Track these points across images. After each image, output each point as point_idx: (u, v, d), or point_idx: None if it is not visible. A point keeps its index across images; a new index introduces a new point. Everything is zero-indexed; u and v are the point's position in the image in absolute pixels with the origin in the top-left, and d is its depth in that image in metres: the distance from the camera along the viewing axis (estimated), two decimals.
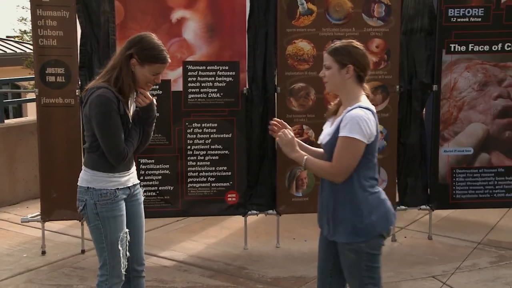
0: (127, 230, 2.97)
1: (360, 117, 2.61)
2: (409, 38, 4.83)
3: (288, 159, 4.69)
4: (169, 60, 2.88)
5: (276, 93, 4.75)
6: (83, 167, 2.95)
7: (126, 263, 3.00)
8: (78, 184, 2.94)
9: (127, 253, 2.99)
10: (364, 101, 2.72)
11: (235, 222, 5.52)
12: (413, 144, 4.96)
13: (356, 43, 2.75)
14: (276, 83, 4.76)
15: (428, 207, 5.07)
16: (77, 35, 4.57)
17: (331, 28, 4.69)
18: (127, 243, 2.98)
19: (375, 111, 2.72)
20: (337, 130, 2.68)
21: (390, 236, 2.74)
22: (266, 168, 4.88)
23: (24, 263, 4.66)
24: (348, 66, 2.69)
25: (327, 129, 2.81)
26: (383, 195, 2.77)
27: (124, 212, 2.95)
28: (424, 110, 5.00)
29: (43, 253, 4.83)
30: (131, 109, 2.94)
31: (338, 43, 2.76)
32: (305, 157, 2.73)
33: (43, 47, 4.52)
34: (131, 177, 3.00)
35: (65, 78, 4.55)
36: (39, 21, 4.49)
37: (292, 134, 2.78)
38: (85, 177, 2.90)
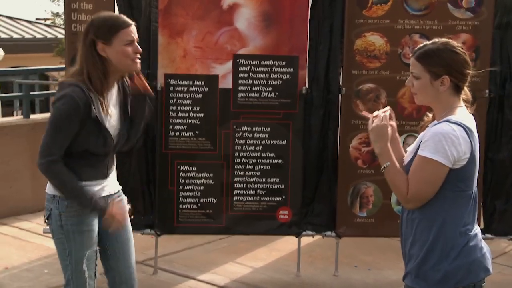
0: (97, 248, 3.02)
1: (444, 134, 2.49)
2: (505, 33, 4.76)
3: (352, 172, 4.79)
4: (131, 22, 2.92)
5: (340, 95, 4.77)
6: None
7: (95, 286, 3.05)
8: (45, 190, 3.03)
9: (97, 274, 3.05)
10: (459, 114, 2.58)
11: (287, 243, 5.54)
12: (503, 160, 4.87)
13: (453, 45, 2.59)
14: (340, 83, 4.77)
15: None
16: None
17: (409, 20, 4.67)
18: (96, 263, 3.03)
19: (472, 127, 2.57)
20: (418, 148, 2.59)
21: None
22: (325, 182, 4.89)
23: (45, 280, 4.82)
24: (443, 78, 2.56)
25: (412, 146, 2.71)
26: (477, 241, 2.60)
27: (95, 227, 3.00)
28: None
29: None
30: (111, 103, 2.97)
31: (429, 45, 2.60)
32: (389, 163, 2.60)
33: (76, 34, 4.63)
34: (106, 185, 3.04)
35: None
36: (73, 4, 4.64)
37: (389, 122, 2.65)
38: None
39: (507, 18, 4.75)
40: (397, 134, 2.79)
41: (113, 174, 3.11)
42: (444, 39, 2.63)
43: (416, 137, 4.66)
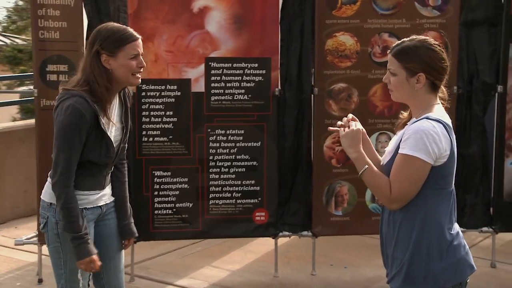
0: None
1: (425, 131, 2.47)
2: (470, 30, 4.87)
3: (326, 172, 4.84)
4: (138, 36, 2.91)
5: (313, 95, 4.81)
6: (48, 178, 2.97)
7: None
8: (41, 197, 3.01)
9: (89, 283, 3.04)
10: (437, 111, 2.58)
11: (262, 245, 5.56)
12: (473, 155, 4.99)
13: (430, 42, 2.59)
14: (313, 83, 4.82)
15: (490, 229, 5.09)
16: (83, 26, 4.64)
17: (377, 19, 4.75)
18: (91, 272, 3.02)
19: (450, 124, 2.58)
20: (398, 147, 2.56)
21: None
22: (300, 182, 4.93)
23: None
24: (419, 75, 2.55)
25: (390, 146, 2.70)
26: (460, 239, 2.61)
27: (91, 236, 2.98)
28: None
29: (40, 281, 4.87)
30: (114, 114, 2.97)
31: (406, 42, 2.60)
32: (367, 166, 2.57)
33: (43, 41, 4.60)
34: (103, 195, 3.04)
35: (69, 77, 4.54)
36: (40, 10, 4.56)
37: (360, 127, 2.66)
38: (49, 191, 2.94)
39: (472, 16, 4.87)
40: (367, 136, 2.76)
41: (109, 186, 3.10)
42: (421, 37, 2.63)
43: (388, 135, 4.84)
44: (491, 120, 5.09)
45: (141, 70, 2.93)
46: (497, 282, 4.87)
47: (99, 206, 3.02)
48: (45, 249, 4.89)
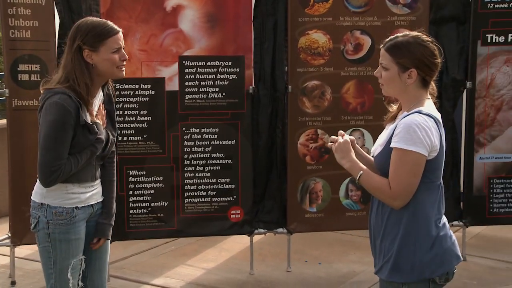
0: (83, 257, 3.02)
1: (418, 125, 2.51)
2: (439, 27, 4.97)
3: (300, 169, 4.89)
4: (119, 29, 2.92)
5: (286, 93, 4.86)
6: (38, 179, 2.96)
7: None
8: (31, 198, 2.99)
9: (80, 283, 3.04)
10: (428, 106, 2.63)
11: (235, 243, 5.60)
12: None
13: (422, 38, 2.62)
14: (286, 81, 4.86)
15: (460, 222, 5.20)
16: (55, 25, 4.61)
17: (349, 17, 4.81)
18: (81, 272, 3.03)
19: (440, 119, 2.63)
20: (389, 140, 2.60)
21: (447, 282, 2.66)
22: (275, 180, 4.97)
23: None
24: (410, 71, 2.59)
25: (381, 139, 2.74)
26: (447, 230, 2.66)
27: (82, 236, 2.99)
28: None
29: (13, 283, 4.83)
30: (96, 107, 2.98)
31: (400, 37, 2.64)
32: (362, 171, 2.62)
33: (14, 40, 4.56)
34: (94, 193, 3.04)
35: (41, 76, 4.57)
36: (10, 9, 4.53)
37: (348, 138, 2.70)
38: (39, 191, 2.94)
39: (440, 13, 4.97)
40: (356, 145, 2.80)
41: (100, 184, 3.09)
42: (414, 32, 2.66)
43: (362, 131, 4.91)
44: (460, 116, 5.21)
45: (124, 63, 2.94)
46: (468, 275, 4.98)
47: (91, 205, 3.02)
48: (17, 251, 4.93)
